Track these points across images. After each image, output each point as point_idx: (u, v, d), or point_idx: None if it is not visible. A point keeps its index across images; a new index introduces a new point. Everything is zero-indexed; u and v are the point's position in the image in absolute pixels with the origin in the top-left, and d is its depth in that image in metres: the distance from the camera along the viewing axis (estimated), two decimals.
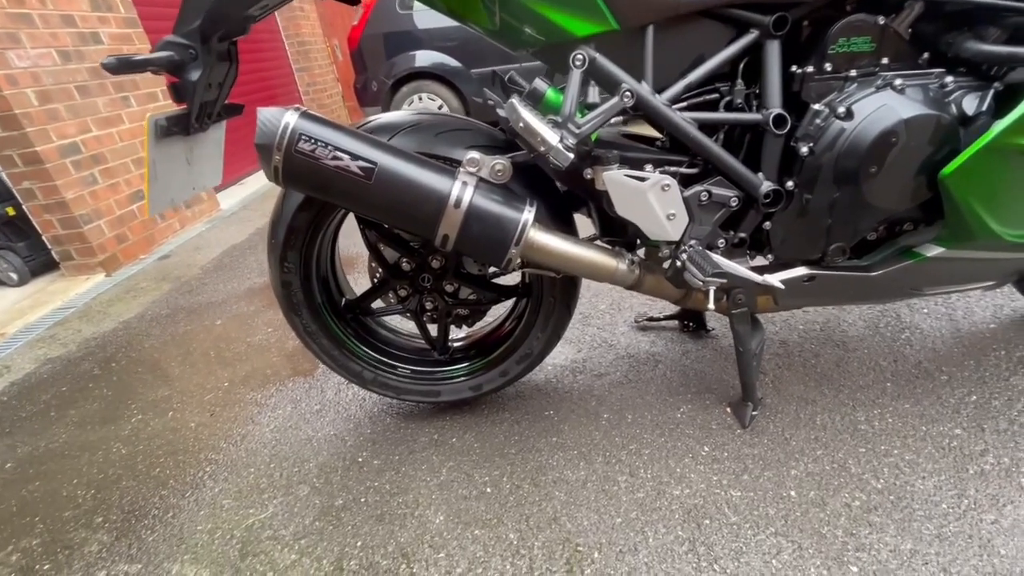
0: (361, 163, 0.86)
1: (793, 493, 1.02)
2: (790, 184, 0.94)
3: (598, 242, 1.10)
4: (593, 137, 0.91)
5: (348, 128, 0.90)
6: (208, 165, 1.18)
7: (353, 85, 4.46)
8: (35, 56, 2.49)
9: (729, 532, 0.96)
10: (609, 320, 1.70)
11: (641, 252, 1.10)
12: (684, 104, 0.94)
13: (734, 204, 0.95)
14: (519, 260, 0.97)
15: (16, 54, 2.39)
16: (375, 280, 1.22)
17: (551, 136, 0.81)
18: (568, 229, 1.09)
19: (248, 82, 4.64)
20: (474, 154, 0.91)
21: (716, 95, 0.94)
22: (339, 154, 0.86)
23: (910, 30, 0.87)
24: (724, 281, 0.87)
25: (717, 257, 0.95)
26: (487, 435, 1.29)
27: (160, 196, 1.04)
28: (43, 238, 2.72)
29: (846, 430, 1.15)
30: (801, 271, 1.02)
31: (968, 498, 0.97)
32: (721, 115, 0.92)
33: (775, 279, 0.97)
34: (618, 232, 1.13)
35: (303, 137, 0.85)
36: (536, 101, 0.89)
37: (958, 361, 1.31)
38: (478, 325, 1.33)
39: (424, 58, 4.17)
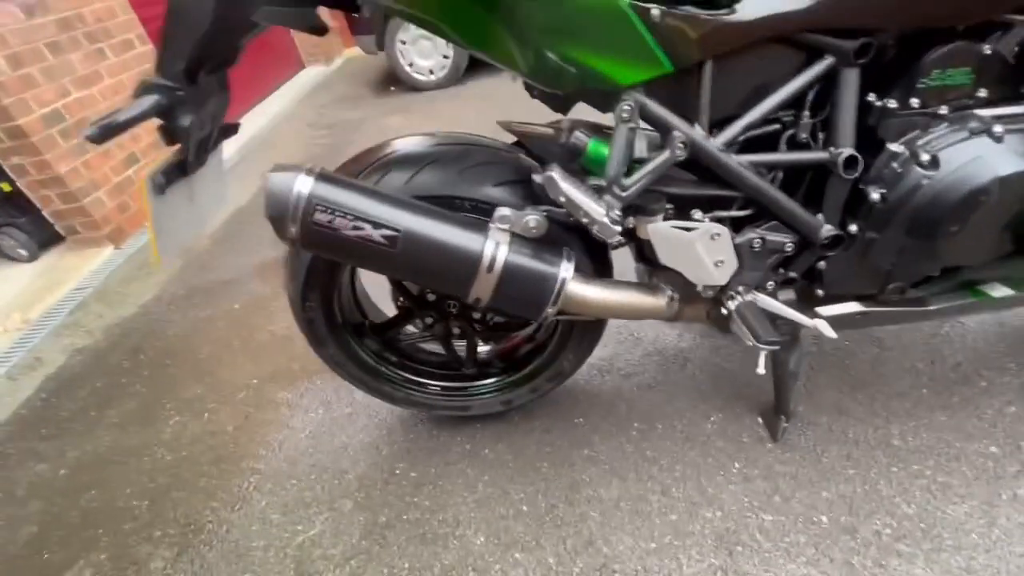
0: (384, 231, 0.79)
1: (824, 518, 1.05)
2: (853, 228, 0.85)
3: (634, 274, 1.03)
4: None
5: (368, 188, 0.81)
6: (212, 192, 1.09)
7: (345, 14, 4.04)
8: None
9: (761, 561, 1.00)
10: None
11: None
12: (740, 139, 0.83)
13: (789, 250, 0.87)
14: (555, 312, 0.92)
15: None
16: (398, 307, 1.18)
17: (597, 211, 0.73)
18: (604, 266, 1.02)
19: None
20: (505, 211, 0.83)
21: (778, 126, 0.83)
22: (360, 223, 0.78)
23: (1017, 49, 0.73)
24: (777, 347, 0.83)
25: (767, 300, 0.90)
26: (519, 446, 1.32)
27: (168, 244, 0.97)
28: (43, 213, 2.64)
29: (879, 446, 1.16)
30: (853, 307, 0.97)
31: (999, 527, 0.99)
32: (783, 156, 0.82)
33: (824, 323, 0.92)
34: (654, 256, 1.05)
35: (319, 207, 0.77)
36: (575, 155, 0.79)
37: (999, 364, 1.28)
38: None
39: None
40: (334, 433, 1.46)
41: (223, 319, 2.06)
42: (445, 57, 4.19)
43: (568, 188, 0.72)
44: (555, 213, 0.83)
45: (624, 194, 0.73)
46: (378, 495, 1.28)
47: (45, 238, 2.79)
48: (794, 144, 0.82)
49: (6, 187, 2.57)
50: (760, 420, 1.26)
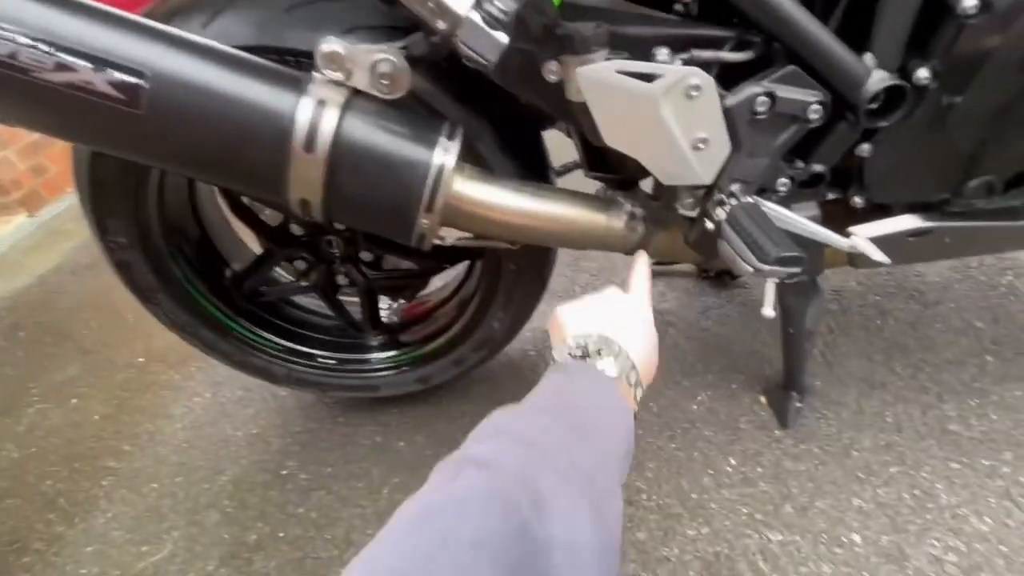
0: (116, 76, 0.45)
1: (857, 538, 0.73)
2: (923, 74, 0.51)
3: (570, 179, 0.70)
4: (556, 0, 0.48)
5: (87, 4, 0.47)
6: None
7: None
8: None
9: None
10: (606, 263, 1.33)
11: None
12: None
13: (814, 116, 0.53)
14: (441, 230, 0.59)
15: None
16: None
17: (457, 1, 0.39)
18: (529, 165, 0.69)
19: None
20: (335, 45, 0.49)
21: None
22: (71, 60, 0.45)
23: None
24: (797, 269, 0.49)
25: (777, 209, 0.56)
26: (443, 438, 1.00)
27: None
28: None
29: (931, 433, 0.83)
30: (909, 222, 0.63)
31: None
32: None
33: (867, 242, 0.58)
34: (612, 163, 0.72)
35: None
36: None
37: None
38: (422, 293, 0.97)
39: None
40: (217, 422, 1.15)
41: (122, 290, 1.73)
42: None
43: None
44: (418, 45, 0.49)
45: None
46: (255, 504, 0.96)
47: None
48: None
49: None
50: (763, 400, 0.93)
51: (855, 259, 0.71)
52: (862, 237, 0.58)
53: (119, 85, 0.46)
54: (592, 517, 0.30)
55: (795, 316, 0.77)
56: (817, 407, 0.90)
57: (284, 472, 1.01)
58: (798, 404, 0.88)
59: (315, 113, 0.49)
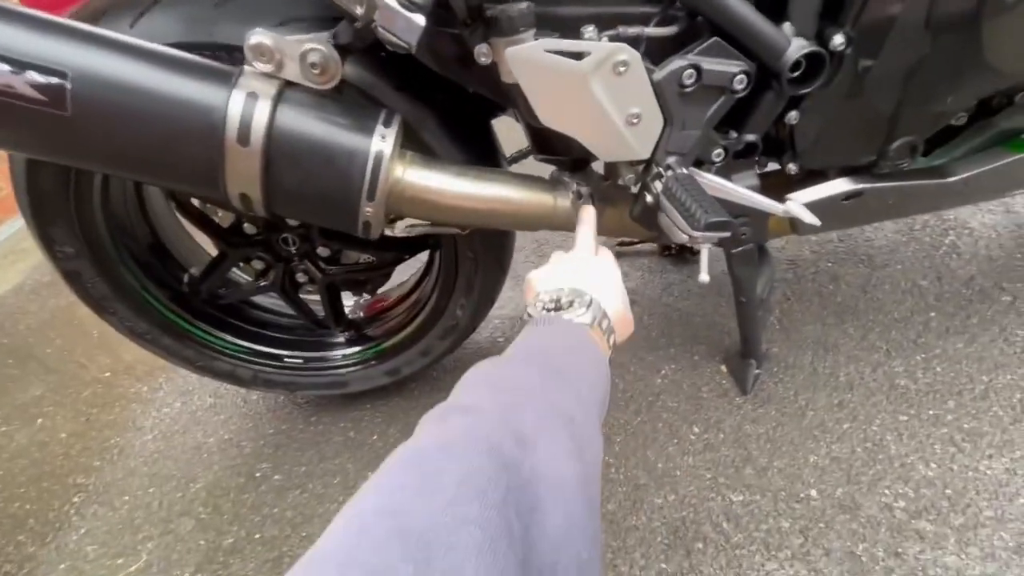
0: (37, 78, 0.45)
1: (814, 492, 0.76)
2: (839, 40, 0.54)
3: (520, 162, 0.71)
4: None
5: (6, 7, 0.46)
6: None
7: None
8: None
9: (730, 561, 0.71)
10: (568, 246, 1.34)
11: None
12: None
13: (740, 85, 0.55)
14: (387, 217, 0.59)
15: None
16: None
17: None
18: (478, 152, 0.70)
19: None
20: (262, 37, 0.49)
21: None
22: None
23: None
24: (726, 234, 0.51)
25: (714, 179, 0.58)
26: (415, 428, 1.00)
27: None
28: None
29: (880, 389, 0.87)
30: (841, 186, 0.66)
31: None
32: None
33: (799, 205, 0.61)
34: (559, 145, 0.73)
35: None
36: None
37: (1023, 273, 1.00)
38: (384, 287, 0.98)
39: None
40: (189, 431, 1.13)
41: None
42: None
43: None
44: (344, 34, 0.49)
45: None
46: (229, 508, 0.96)
47: None
48: None
49: None
50: (724, 369, 0.96)
51: (797, 226, 0.73)
52: (796, 202, 0.60)
53: (41, 87, 0.45)
54: (573, 451, 0.31)
55: (745, 285, 0.79)
56: (775, 372, 0.93)
57: (258, 474, 1.00)
58: (756, 371, 0.91)
59: (247, 105, 0.49)
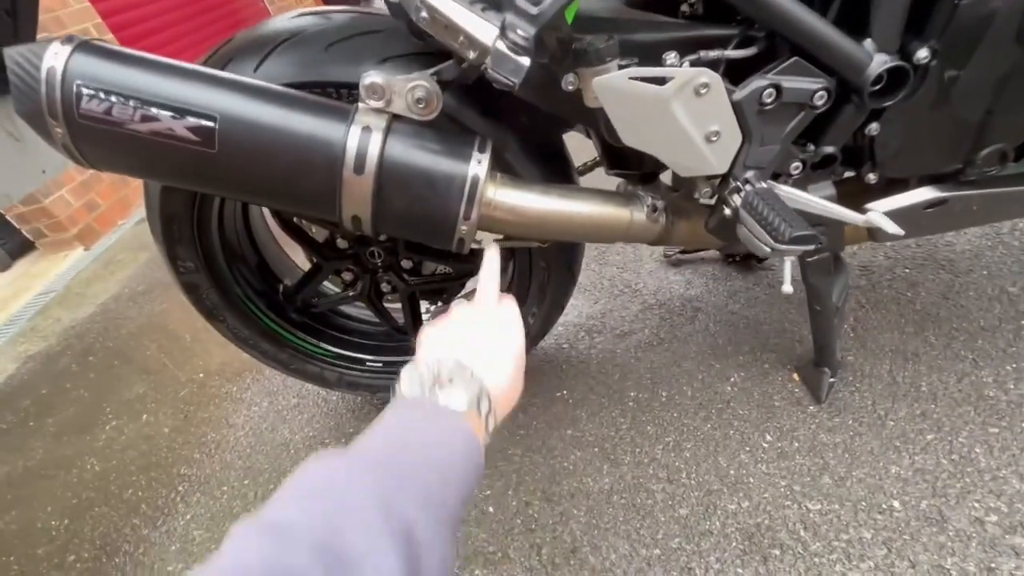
0: (191, 121, 0.52)
1: (896, 504, 0.75)
2: (923, 54, 0.54)
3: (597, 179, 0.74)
4: (569, 16, 0.53)
5: (162, 61, 0.55)
6: None
7: None
8: None
9: (808, 568, 0.71)
10: (632, 256, 1.36)
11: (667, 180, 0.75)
12: None
13: (820, 102, 0.57)
14: (478, 234, 0.64)
15: None
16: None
17: (484, 32, 0.44)
18: (554, 168, 0.73)
19: None
20: (375, 77, 0.55)
21: None
22: (153, 111, 0.52)
23: None
24: (811, 247, 0.53)
25: (792, 191, 0.60)
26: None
27: None
28: (7, 218, 2.50)
29: (967, 400, 0.84)
30: (924, 195, 0.65)
31: None
32: None
33: (881, 215, 0.61)
34: (631, 160, 0.76)
35: (87, 91, 0.51)
36: None
37: None
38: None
39: None
40: (277, 428, 1.23)
41: (178, 311, 1.86)
42: None
43: None
44: (448, 71, 0.54)
45: (535, 8, 0.44)
46: None
47: (16, 245, 2.66)
48: None
49: None
50: (796, 377, 0.95)
51: (875, 233, 0.73)
52: (877, 212, 0.61)
53: (195, 129, 0.53)
54: (405, 571, 0.28)
55: (821, 293, 0.79)
56: (850, 381, 0.92)
57: None
58: (831, 379, 0.90)
59: (362, 139, 0.55)
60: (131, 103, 0.52)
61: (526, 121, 0.72)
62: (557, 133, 0.81)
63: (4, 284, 2.47)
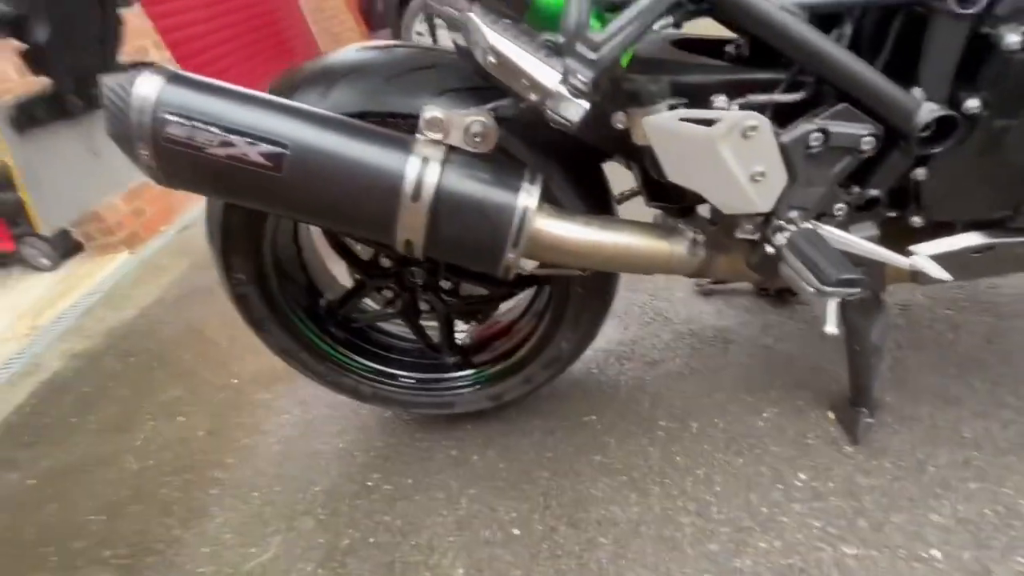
0: (265, 148, 0.56)
1: (937, 554, 0.73)
2: (973, 104, 0.55)
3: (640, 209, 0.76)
4: (624, 60, 0.55)
5: (242, 92, 0.59)
6: None
7: (359, 7, 3.98)
8: None
9: None
10: (663, 284, 1.36)
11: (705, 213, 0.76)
12: None
13: (867, 148, 0.58)
14: (524, 261, 0.66)
15: None
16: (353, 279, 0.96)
17: (547, 77, 0.47)
18: (594, 198, 0.76)
19: (243, 14, 4.24)
20: (435, 111, 0.58)
21: None
22: (230, 137, 0.56)
23: None
24: (857, 290, 0.53)
25: (836, 232, 0.60)
26: (515, 451, 1.06)
27: (55, 205, 0.79)
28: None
29: (1012, 449, 0.82)
30: (971, 240, 0.65)
31: None
32: None
33: (927, 260, 0.61)
34: (671, 193, 0.78)
35: (173, 118, 0.55)
36: (519, 5, 0.53)
37: None
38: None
39: None
40: (308, 438, 1.26)
41: (216, 318, 1.93)
42: None
43: (497, 38, 0.47)
44: (506, 108, 0.57)
45: (594, 54, 0.47)
46: (345, 512, 1.05)
47: (67, 247, 2.79)
48: None
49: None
50: (831, 415, 0.94)
51: (918, 276, 0.73)
52: (923, 256, 0.61)
53: (267, 154, 0.57)
54: None
55: (860, 333, 0.78)
56: (888, 423, 0.90)
57: (370, 483, 1.10)
58: (868, 420, 0.88)
59: (420, 169, 0.58)
60: (211, 130, 0.56)
61: (569, 151, 0.74)
62: (597, 163, 0.84)
63: (53, 283, 2.60)
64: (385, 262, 0.90)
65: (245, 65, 4.22)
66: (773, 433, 0.94)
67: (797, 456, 0.89)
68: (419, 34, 3.96)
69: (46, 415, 1.67)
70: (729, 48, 0.71)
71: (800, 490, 0.84)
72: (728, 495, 0.87)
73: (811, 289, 0.55)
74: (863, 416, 0.88)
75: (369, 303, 1.05)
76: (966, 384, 0.92)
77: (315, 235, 0.97)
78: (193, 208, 3.10)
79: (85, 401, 1.68)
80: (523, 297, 1.05)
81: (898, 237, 0.70)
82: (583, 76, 0.47)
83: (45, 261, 2.74)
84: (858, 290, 0.52)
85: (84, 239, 2.74)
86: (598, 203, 0.79)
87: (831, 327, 0.59)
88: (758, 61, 0.66)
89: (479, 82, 0.67)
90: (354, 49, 0.73)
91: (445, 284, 0.93)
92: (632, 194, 0.95)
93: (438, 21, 3.86)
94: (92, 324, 2.15)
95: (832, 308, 0.60)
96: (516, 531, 0.91)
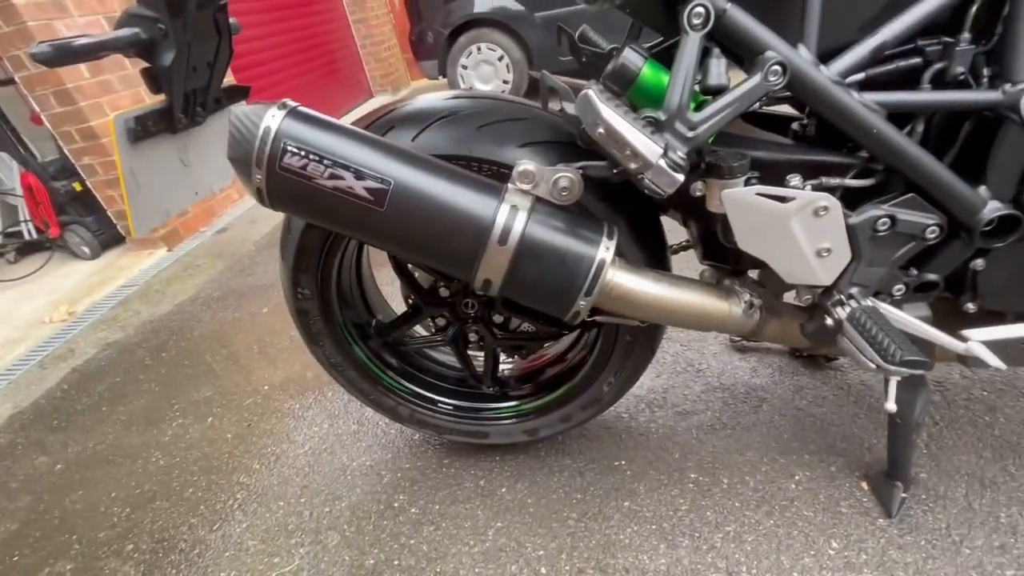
0: (370, 183, 0.61)
1: None
2: None
3: (700, 268, 0.80)
4: (712, 136, 0.60)
5: (355, 131, 0.64)
6: (213, 163, 0.97)
7: (408, 36, 4.15)
8: (83, 24, 2.40)
9: None
10: (696, 335, 1.39)
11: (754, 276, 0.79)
12: (861, 76, 0.59)
13: (931, 236, 0.61)
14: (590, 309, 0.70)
15: (64, 23, 2.30)
16: (408, 304, 1.00)
17: (650, 150, 0.51)
18: (653, 250, 0.79)
19: (299, 36, 4.45)
20: (528, 165, 0.63)
21: (917, 59, 0.59)
22: (339, 171, 0.61)
23: None
24: (920, 371, 0.56)
25: (894, 311, 0.63)
26: (544, 488, 1.07)
27: (147, 210, 0.85)
28: (108, 213, 2.74)
29: None
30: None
31: None
32: (932, 96, 0.57)
33: (982, 347, 0.64)
34: (728, 254, 0.81)
35: (291, 149, 0.61)
36: (625, 83, 0.58)
37: None
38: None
39: (483, 3, 3.76)
40: (335, 451, 1.28)
41: (249, 322, 1.98)
42: (505, 82, 4.17)
43: (610, 113, 0.52)
44: (595, 169, 0.62)
45: (691, 133, 0.52)
46: (370, 531, 1.06)
47: (109, 238, 2.89)
48: (944, 82, 0.58)
49: (78, 186, 2.70)
50: (864, 486, 0.94)
51: (968, 360, 0.75)
52: (977, 343, 0.63)
53: (371, 189, 0.61)
54: None
55: (904, 408, 0.80)
56: (923, 499, 0.90)
57: (396, 504, 1.11)
58: (903, 494, 0.89)
59: (509, 216, 0.62)
60: (324, 162, 0.61)
61: (634, 206, 0.79)
62: (656, 216, 0.88)
63: (92, 272, 2.68)
64: (444, 291, 0.94)
65: (297, 81, 4.41)
66: (805, 497, 0.94)
67: (830, 524, 0.89)
68: (464, 67, 4.13)
69: (77, 401, 1.71)
70: (795, 126, 0.76)
71: (832, 558, 0.85)
72: (759, 555, 0.87)
73: (872, 365, 0.57)
74: (898, 490, 0.89)
75: (418, 329, 1.08)
76: (1002, 468, 0.93)
77: (375, 262, 1.02)
78: (232, 210, 3.20)
79: (116, 391, 1.72)
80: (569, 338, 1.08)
81: (947, 318, 0.73)
82: (681, 152, 0.51)
83: (86, 250, 2.83)
84: (922, 372, 0.55)
85: (125, 232, 2.84)
86: (656, 255, 0.83)
87: (891, 404, 0.62)
88: (823, 141, 0.70)
89: (561, 137, 0.73)
90: (444, 96, 0.79)
91: (497, 318, 0.96)
92: (684, 247, 0.99)
93: (478, 65, 4.02)
94: (127, 316, 2.21)
95: (893, 385, 0.62)
96: (543, 569, 0.92)
